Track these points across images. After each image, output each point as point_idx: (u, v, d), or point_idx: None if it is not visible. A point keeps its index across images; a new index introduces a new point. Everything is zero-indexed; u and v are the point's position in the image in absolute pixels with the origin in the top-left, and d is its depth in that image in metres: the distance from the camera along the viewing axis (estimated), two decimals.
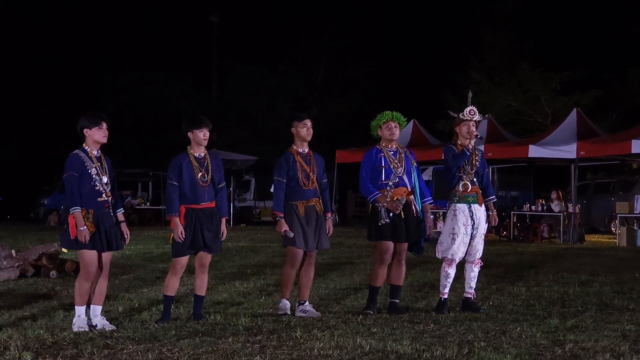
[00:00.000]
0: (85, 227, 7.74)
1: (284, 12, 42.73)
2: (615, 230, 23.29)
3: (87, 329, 7.70)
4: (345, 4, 42.46)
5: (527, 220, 23.89)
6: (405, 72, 41.15)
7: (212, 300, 9.84)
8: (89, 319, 7.95)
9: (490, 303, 9.73)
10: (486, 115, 9.99)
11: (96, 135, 7.98)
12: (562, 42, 37.29)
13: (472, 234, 9.13)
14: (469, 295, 9.26)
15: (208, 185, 8.38)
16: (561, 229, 22.40)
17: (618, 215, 22.62)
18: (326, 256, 15.34)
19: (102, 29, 44.81)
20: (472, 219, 9.12)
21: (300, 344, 7.10)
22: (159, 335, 7.48)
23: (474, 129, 9.25)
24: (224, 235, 8.54)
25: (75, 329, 7.71)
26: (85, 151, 7.98)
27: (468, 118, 9.23)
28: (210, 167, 8.43)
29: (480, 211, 9.19)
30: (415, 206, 9.00)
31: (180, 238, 8.23)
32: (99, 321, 7.93)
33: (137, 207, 33.05)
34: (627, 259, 16.33)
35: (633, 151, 20.79)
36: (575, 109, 24.08)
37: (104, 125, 8.04)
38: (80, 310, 7.89)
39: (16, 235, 22.12)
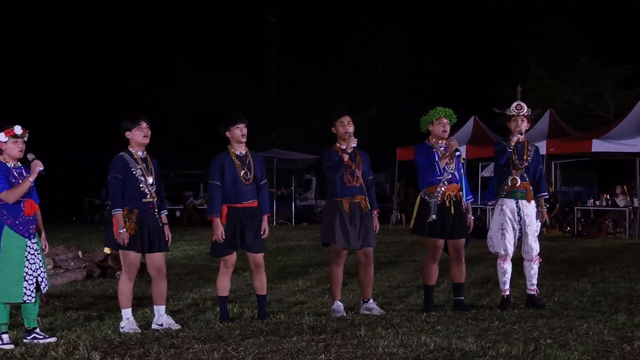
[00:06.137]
0: (124, 229, 7.78)
1: (340, 12, 42.68)
2: None
3: (138, 331, 7.76)
4: (400, 2, 42.30)
5: (592, 216, 23.59)
6: (463, 69, 40.84)
7: (276, 298, 9.88)
8: (155, 318, 8.06)
9: (556, 299, 9.63)
10: (538, 110, 9.88)
11: (137, 136, 7.99)
12: (622, 34, 36.71)
13: (521, 230, 9.06)
14: (532, 292, 9.20)
15: (250, 184, 8.36)
16: (627, 224, 22.05)
17: None
18: (388, 254, 15.31)
19: (161, 32, 45.27)
20: (519, 215, 9.05)
21: (365, 342, 7.10)
22: (223, 334, 7.54)
23: (523, 124, 9.17)
24: (266, 233, 8.49)
25: (125, 331, 7.76)
26: (129, 153, 8.01)
27: (515, 113, 9.17)
28: (252, 165, 8.42)
29: (528, 207, 9.10)
30: (464, 203, 8.97)
31: (220, 239, 8.24)
32: (165, 320, 8.01)
33: (199, 207, 33.32)
34: None
35: None
36: (639, 102, 23.63)
37: (144, 124, 8.02)
38: (127, 312, 7.95)
39: (82, 236, 22.45)
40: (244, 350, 6.83)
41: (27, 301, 7.29)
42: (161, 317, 8.03)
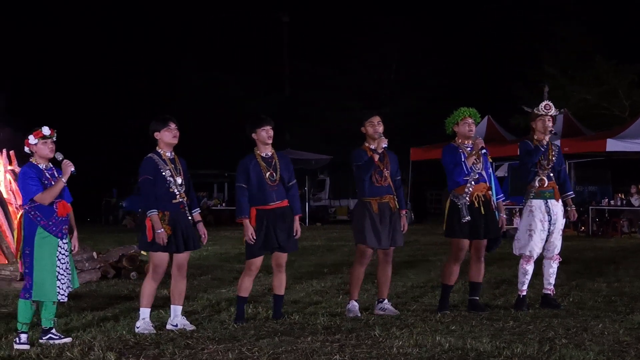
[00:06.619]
0: (162, 229, 7.83)
1: (354, 11, 42.67)
2: None
3: (153, 332, 7.79)
4: (413, 2, 42.24)
5: (606, 215, 23.50)
6: (477, 69, 40.77)
7: (290, 299, 9.89)
8: (171, 319, 8.09)
9: (571, 299, 9.61)
10: (562, 110, 9.88)
11: (166, 137, 8.05)
12: (636, 33, 36.55)
13: (549, 229, 9.05)
14: (548, 292, 9.18)
15: (277, 185, 8.36)
16: None
17: None
18: (402, 254, 15.29)
19: (173, 32, 45.34)
20: (549, 215, 9.03)
21: (379, 342, 7.10)
22: (238, 335, 7.55)
23: (550, 124, 9.16)
24: (298, 233, 8.52)
25: (140, 331, 7.79)
26: (158, 154, 8.06)
27: (543, 113, 9.14)
28: (278, 166, 8.41)
29: (557, 206, 9.11)
30: (493, 202, 8.96)
31: (251, 240, 8.24)
32: (180, 321, 8.04)
33: (213, 208, 33.35)
34: None
35: None
36: None
37: (172, 125, 8.09)
38: (145, 312, 7.99)
39: (96, 237, 22.49)
40: (258, 350, 6.84)
41: (61, 300, 7.40)
42: (176, 318, 8.05)
